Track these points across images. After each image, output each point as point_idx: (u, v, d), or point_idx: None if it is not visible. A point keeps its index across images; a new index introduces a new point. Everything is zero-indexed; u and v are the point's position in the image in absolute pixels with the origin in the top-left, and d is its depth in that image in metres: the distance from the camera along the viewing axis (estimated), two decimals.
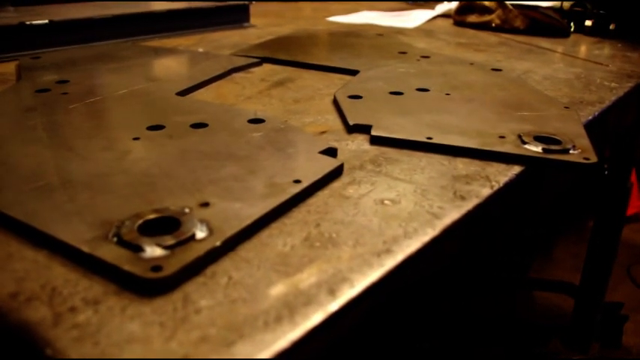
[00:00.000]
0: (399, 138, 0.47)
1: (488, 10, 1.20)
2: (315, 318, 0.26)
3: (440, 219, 0.35)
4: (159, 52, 0.87)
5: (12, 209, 0.34)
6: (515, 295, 1.24)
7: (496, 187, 0.40)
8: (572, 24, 1.21)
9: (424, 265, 0.34)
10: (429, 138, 0.47)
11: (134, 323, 0.25)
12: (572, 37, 1.16)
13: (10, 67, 0.77)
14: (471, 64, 0.79)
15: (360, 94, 0.59)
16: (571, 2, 1.24)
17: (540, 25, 1.16)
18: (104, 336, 0.25)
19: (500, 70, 0.76)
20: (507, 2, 1.19)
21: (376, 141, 0.48)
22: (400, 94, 0.61)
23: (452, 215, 0.36)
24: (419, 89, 0.63)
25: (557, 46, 1.03)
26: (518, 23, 1.16)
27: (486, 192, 0.39)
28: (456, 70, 0.74)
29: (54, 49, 0.88)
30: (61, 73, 0.70)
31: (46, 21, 0.87)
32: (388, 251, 0.32)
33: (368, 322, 0.30)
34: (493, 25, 1.19)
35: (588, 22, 1.21)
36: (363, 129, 0.50)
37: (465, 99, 0.60)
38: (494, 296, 0.82)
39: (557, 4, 1.29)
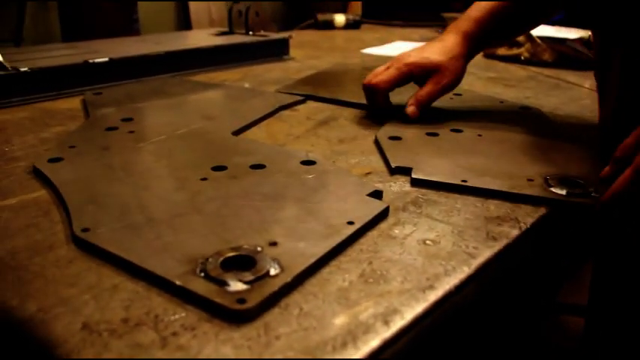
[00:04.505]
0: (436, 181, 0.53)
1: (517, 44, 1.25)
2: (373, 343, 0.32)
3: (475, 258, 0.41)
4: (208, 88, 0.94)
5: (112, 246, 0.40)
6: (545, 319, 1.27)
7: (524, 228, 0.46)
8: None
9: (462, 297, 0.39)
10: (464, 181, 0.53)
11: (227, 346, 0.31)
12: None
13: (75, 103, 0.85)
14: (501, 102, 0.85)
15: (399, 135, 0.65)
16: None
17: (568, 58, 1.20)
18: (205, 357, 0.30)
19: (529, 107, 0.81)
20: (535, 36, 1.24)
21: (416, 183, 0.53)
22: (436, 135, 0.67)
23: (485, 254, 0.42)
24: (453, 130, 0.69)
25: (585, 80, 1.07)
26: (547, 57, 1.21)
27: (515, 233, 0.45)
28: (487, 109, 0.80)
29: (111, 84, 0.95)
30: (123, 109, 0.77)
31: (107, 59, 0.94)
32: (431, 287, 0.37)
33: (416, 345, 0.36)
34: (522, 58, 1.24)
35: None
36: (404, 171, 0.56)
37: (496, 140, 0.65)
38: (524, 321, 0.87)
39: (585, 35, 1.33)
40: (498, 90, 0.96)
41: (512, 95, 0.91)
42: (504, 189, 0.51)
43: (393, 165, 0.57)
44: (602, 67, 0.71)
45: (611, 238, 0.62)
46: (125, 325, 0.33)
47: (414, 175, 0.54)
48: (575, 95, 0.94)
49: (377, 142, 0.65)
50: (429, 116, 0.74)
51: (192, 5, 1.99)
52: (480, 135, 0.67)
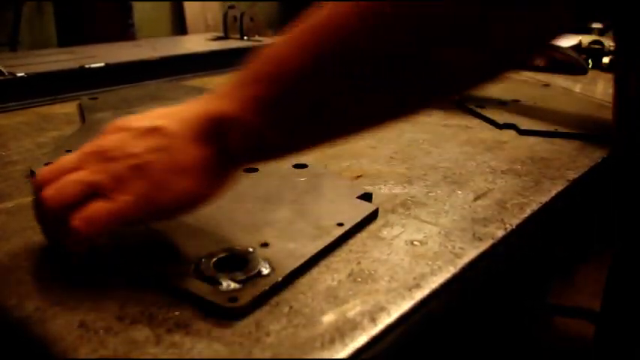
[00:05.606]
0: (539, 130, 0.72)
1: None
2: (360, 340, 0.33)
3: (460, 258, 0.42)
4: (203, 92, 0.95)
5: (107, 247, 0.41)
6: (535, 320, 1.29)
7: (509, 229, 0.47)
8: (590, 61, 1.27)
9: (449, 295, 0.40)
10: (556, 129, 0.72)
11: (219, 343, 0.32)
12: (590, 73, 1.22)
13: (71, 107, 0.86)
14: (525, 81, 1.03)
15: (481, 104, 0.84)
16: (590, 40, 1.31)
17: (559, 63, 1.22)
18: (197, 353, 0.32)
19: (548, 85, 1.05)
20: None
21: (524, 133, 0.73)
22: (506, 104, 0.87)
23: (470, 254, 0.43)
24: (513, 100, 0.89)
25: (575, 84, 1.09)
26: (539, 61, 1.23)
27: (501, 233, 0.46)
28: (513, 87, 0.98)
29: (107, 88, 0.96)
30: (119, 114, 0.78)
31: (103, 64, 0.96)
32: (417, 286, 0.38)
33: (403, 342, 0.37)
34: None
35: (606, 60, 1.27)
36: (511, 127, 0.75)
37: (549, 107, 0.86)
38: (513, 321, 0.88)
39: (576, 41, 1.35)
40: (492, 92, 0.97)
41: (507, 98, 0.93)
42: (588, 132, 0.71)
43: (501, 122, 0.76)
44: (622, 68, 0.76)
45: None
46: (121, 323, 0.34)
47: (522, 127, 0.74)
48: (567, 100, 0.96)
49: (463, 107, 0.84)
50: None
51: (188, 11, 2.00)
52: (534, 103, 0.88)
